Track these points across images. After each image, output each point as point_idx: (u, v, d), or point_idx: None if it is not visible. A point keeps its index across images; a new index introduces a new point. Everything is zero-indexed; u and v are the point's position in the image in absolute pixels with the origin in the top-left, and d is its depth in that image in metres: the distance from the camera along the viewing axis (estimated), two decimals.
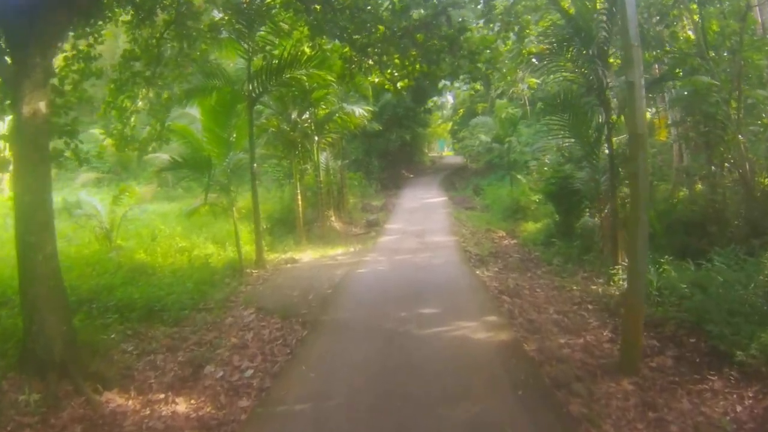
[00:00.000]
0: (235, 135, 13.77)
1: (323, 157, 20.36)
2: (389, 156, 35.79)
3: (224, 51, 14.63)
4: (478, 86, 18.57)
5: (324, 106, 17.61)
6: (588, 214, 16.38)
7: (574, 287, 11.96)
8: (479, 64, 9.88)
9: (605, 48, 12.37)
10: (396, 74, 13.38)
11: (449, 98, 56.12)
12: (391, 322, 8.70)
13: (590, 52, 12.12)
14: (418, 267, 13.27)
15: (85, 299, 10.60)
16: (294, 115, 16.81)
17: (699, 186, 16.10)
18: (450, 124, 65.93)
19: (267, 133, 17.43)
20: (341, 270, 13.12)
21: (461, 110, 21.98)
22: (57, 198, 23.68)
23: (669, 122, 17.76)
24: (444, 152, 66.28)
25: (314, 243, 17.34)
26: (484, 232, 19.85)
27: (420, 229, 18.93)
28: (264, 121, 17.07)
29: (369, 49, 10.26)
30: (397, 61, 13.03)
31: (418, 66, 12.74)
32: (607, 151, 14.10)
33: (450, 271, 12.85)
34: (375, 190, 31.47)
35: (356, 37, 10.21)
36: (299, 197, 17.23)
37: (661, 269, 10.34)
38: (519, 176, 24.52)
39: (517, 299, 10.91)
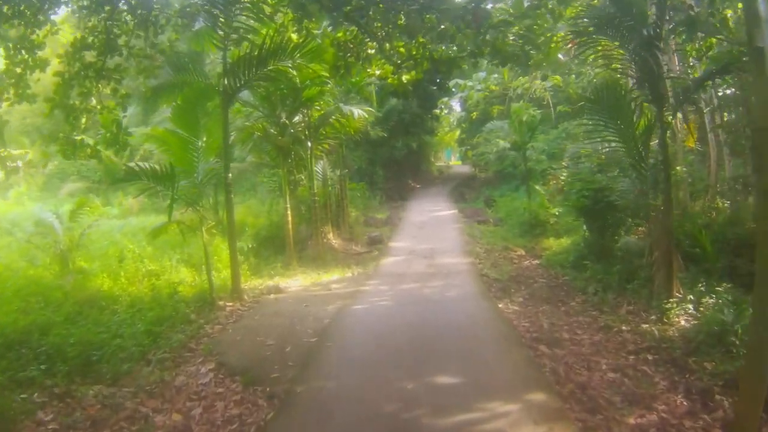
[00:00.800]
0: (205, 139, 11.21)
1: (319, 166, 17.85)
2: (394, 165, 33.23)
3: (198, 42, 12.20)
4: (506, 75, 16.10)
5: (318, 107, 15.06)
6: (624, 231, 13.87)
7: (623, 327, 9.42)
8: (511, 39, 7.31)
9: (657, 30, 9.85)
10: (401, 63, 10.92)
11: (456, 107, 53.71)
12: (392, 400, 5.97)
13: (644, 32, 9.57)
14: (428, 302, 10.57)
15: (13, 342, 8.30)
16: (283, 118, 14.25)
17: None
18: (457, 132, 63.67)
19: (253, 138, 14.90)
20: (333, 305, 10.47)
21: (474, 114, 19.37)
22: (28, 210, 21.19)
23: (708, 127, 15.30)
24: (451, 161, 63.88)
25: (307, 265, 14.77)
26: (500, 251, 17.25)
27: (429, 248, 16.31)
28: (248, 124, 14.55)
29: (364, 21, 7.70)
30: (402, 50, 10.60)
31: (428, 52, 10.26)
32: (654, 158, 11.67)
33: (468, 308, 10.14)
34: (379, 202, 28.88)
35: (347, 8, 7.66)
36: (289, 212, 14.65)
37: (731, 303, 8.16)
38: (537, 187, 21.91)
39: (557, 349, 8.29)
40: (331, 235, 17.99)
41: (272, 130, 14.19)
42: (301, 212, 16.85)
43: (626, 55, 10.30)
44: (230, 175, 11.43)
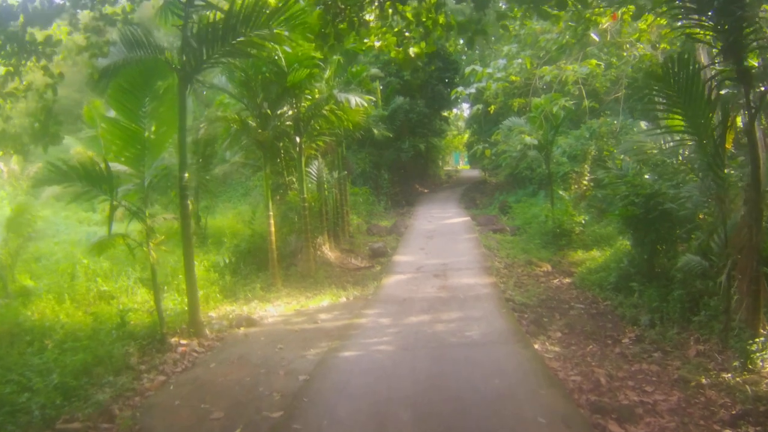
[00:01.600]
0: (155, 129, 8.59)
1: (313, 167, 15.27)
2: (401, 168, 30.61)
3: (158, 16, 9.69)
4: (528, 63, 13.37)
5: (308, 96, 12.43)
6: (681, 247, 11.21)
7: (703, 380, 6.85)
8: None
9: None
10: (407, 34, 8.41)
11: (464, 109, 51.17)
12: None
13: None
14: (444, 347, 7.74)
15: None
16: (265, 107, 11.63)
17: None
18: (466, 135, 60.98)
19: (230, 132, 12.33)
20: (316, 349, 7.75)
21: (492, 107, 16.67)
22: None
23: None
24: (459, 166, 61.20)
25: (294, 285, 12.15)
26: (523, 266, 14.61)
27: (440, 264, 13.62)
28: (220, 114, 11.98)
29: None
30: (409, 14, 8.15)
31: (442, 15, 7.72)
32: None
33: (499, 358, 7.27)
34: (384, 208, 26.26)
35: None
36: (272, 221, 12.01)
37: None
38: (561, 192, 19.23)
39: (631, 426, 5.66)
40: (327, 247, 15.39)
41: (252, 122, 11.58)
42: (291, 221, 14.25)
43: (704, 20, 7.66)
44: (186, 175, 8.80)
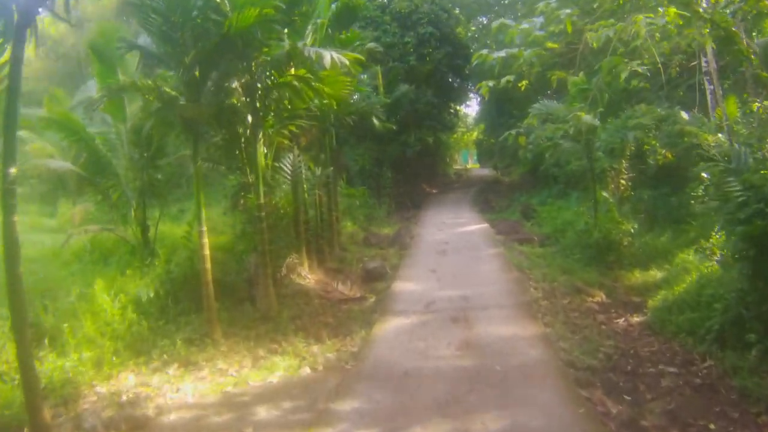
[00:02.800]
0: None
1: (287, 162, 11.20)
2: (406, 166, 26.41)
3: None
4: (569, 26, 9.32)
5: (267, 56, 8.24)
6: None
7: None
8: None
9: None
10: None
11: (473, 100, 47.01)
12: None
13: None
14: None
15: None
16: (196, 69, 7.51)
17: None
18: (474, 133, 56.88)
19: (152, 108, 8.23)
20: None
21: (524, 82, 12.56)
22: None
23: None
24: (469, 164, 57.08)
25: (242, 333, 7.98)
26: (568, 294, 10.46)
27: (460, 298, 9.38)
28: (123, 79, 7.90)
29: None
30: None
31: None
32: None
33: None
34: (387, 212, 22.11)
35: None
36: (205, 240, 7.86)
37: None
38: (605, 194, 15.02)
39: None
40: (305, 267, 11.28)
41: (167, 89, 7.42)
42: (247, 235, 10.21)
43: None
44: (13, 170, 4.76)
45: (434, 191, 31.07)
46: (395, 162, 24.68)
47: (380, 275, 11.54)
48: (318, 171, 12.32)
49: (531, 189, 25.46)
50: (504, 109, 33.07)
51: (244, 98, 8.57)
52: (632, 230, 13.65)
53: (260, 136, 9.56)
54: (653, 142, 17.12)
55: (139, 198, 11.32)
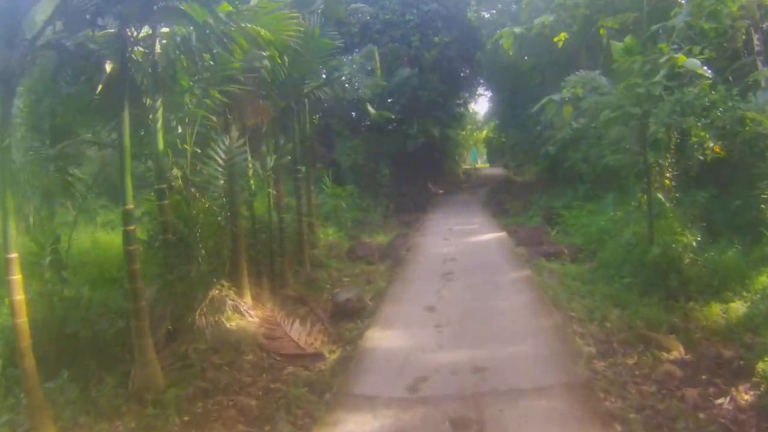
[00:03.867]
0: None
1: (225, 145, 7.58)
2: (408, 162, 22.65)
3: None
4: None
5: None
6: None
7: None
8: None
9: None
10: None
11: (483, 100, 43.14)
12: None
13: None
14: None
15: None
16: None
17: None
18: (484, 131, 53.18)
19: None
20: None
21: (562, 35, 8.92)
22: None
23: None
24: (478, 164, 53.38)
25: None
26: (631, 346, 6.81)
27: (471, 369, 5.46)
28: None
29: None
30: None
31: None
32: None
33: None
34: (384, 214, 18.45)
35: None
36: (16, 282, 4.27)
37: None
38: (660, 196, 11.23)
39: None
40: (247, 299, 7.70)
41: None
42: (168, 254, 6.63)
43: None
44: None
45: (441, 191, 27.28)
46: (395, 158, 20.95)
47: (355, 311, 7.84)
48: (271, 160, 8.62)
49: (550, 189, 21.62)
50: (518, 102, 29.36)
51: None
52: (695, 244, 9.95)
53: (159, 105, 5.94)
54: (702, 133, 13.42)
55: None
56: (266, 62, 7.57)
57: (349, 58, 18.77)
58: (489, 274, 9.62)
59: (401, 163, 22.34)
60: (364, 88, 14.51)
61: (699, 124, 13.17)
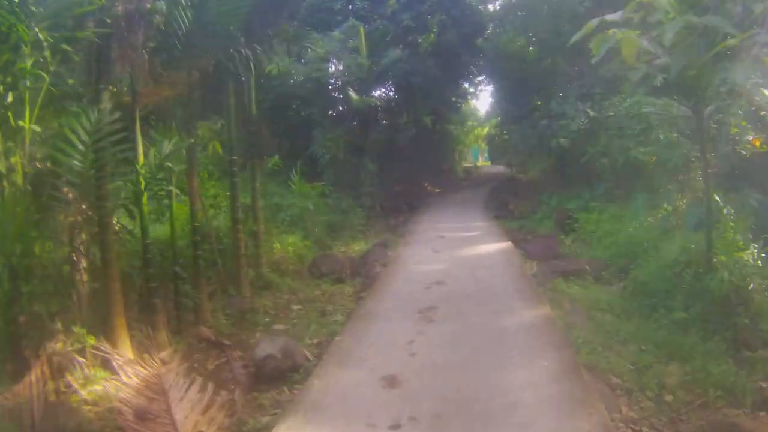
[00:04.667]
0: None
1: (88, 123, 4.88)
2: (400, 157, 19.88)
3: None
4: None
5: None
6: None
7: None
8: None
9: None
10: None
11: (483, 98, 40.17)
12: None
13: None
14: None
15: None
16: None
17: None
18: (486, 128, 50.42)
19: None
20: None
21: None
22: None
23: None
24: (479, 162, 50.73)
25: None
26: None
27: None
28: None
29: None
30: None
31: None
32: None
33: None
34: (368, 215, 15.67)
35: None
36: None
37: None
38: (717, 199, 8.47)
39: None
40: (123, 347, 5.00)
41: None
42: None
43: None
44: None
45: (437, 190, 24.51)
46: (385, 152, 18.14)
47: (281, 373, 5.09)
48: (169, 148, 5.82)
49: (561, 189, 18.85)
50: (523, 92, 26.61)
51: None
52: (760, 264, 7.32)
53: None
54: (743, 123, 10.84)
55: None
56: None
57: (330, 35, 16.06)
58: (489, 311, 6.70)
59: (392, 158, 19.54)
60: (345, 69, 11.77)
61: (740, 111, 10.51)
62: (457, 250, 10.91)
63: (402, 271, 9.28)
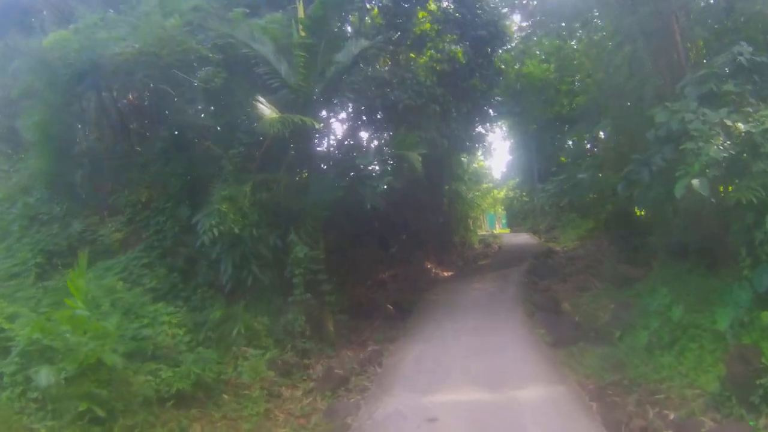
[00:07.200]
0: None
1: None
2: (385, 224, 11.95)
3: None
4: None
5: None
6: None
7: None
8: None
9: None
10: None
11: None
12: None
13: None
14: None
15: None
16: None
17: None
18: (503, 190, 43.22)
19: None
20: None
21: None
22: None
23: None
24: (496, 229, 43.52)
25: None
26: None
27: None
28: None
29: None
30: None
31: None
32: None
33: None
34: (293, 352, 7.66)
35: None
36: None
37: None
38: None
39: None
40: None
41: None
42: None
43: None
44: None
45: (446, 273, 16.39)
46: (348, 218, 10.25)
47: None
48: None
49: (629, 264, 10.70)
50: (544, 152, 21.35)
51: None
52: None
53: None
54: None
55: None
56: None
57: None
58: None
59: (370, 227, 11.71)
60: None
61: None
62: None
63: None
